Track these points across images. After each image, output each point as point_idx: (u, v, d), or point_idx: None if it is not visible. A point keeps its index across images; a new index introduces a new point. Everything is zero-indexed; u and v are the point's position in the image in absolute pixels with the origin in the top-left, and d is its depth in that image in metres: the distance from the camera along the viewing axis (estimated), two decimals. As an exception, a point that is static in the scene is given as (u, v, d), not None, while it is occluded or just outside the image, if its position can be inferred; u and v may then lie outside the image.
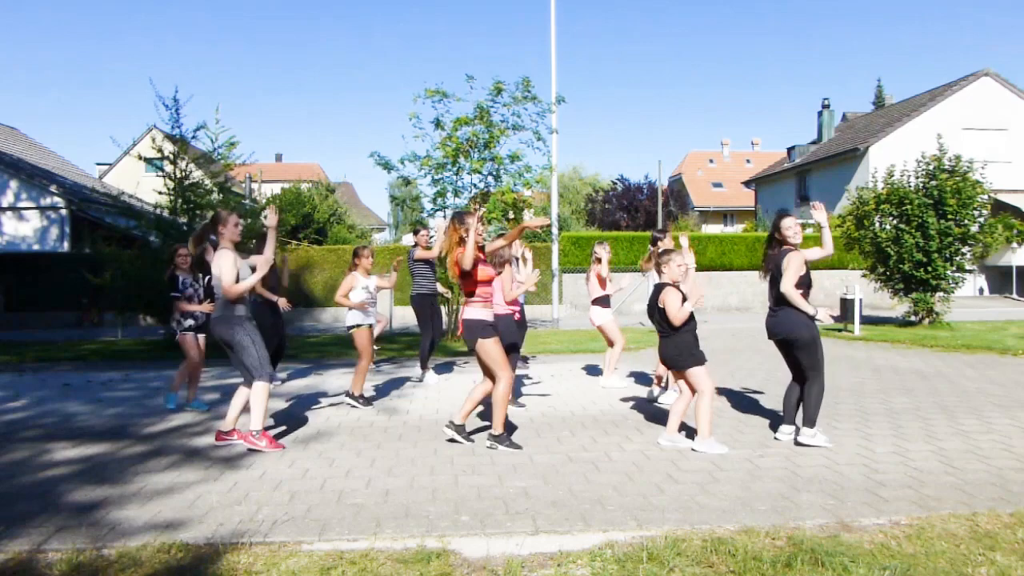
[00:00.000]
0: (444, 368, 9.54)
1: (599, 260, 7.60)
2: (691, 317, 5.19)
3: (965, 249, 13.71)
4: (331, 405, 6.99)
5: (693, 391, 5.20)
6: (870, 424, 5.93)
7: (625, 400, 7.12)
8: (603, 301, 7.60)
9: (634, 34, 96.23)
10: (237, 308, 5.19)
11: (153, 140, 11.68)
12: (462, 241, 5.00)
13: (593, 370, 9.14)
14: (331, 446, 5.39)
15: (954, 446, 5.20)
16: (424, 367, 8.40)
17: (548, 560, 3.28)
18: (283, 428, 6.02)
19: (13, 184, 20.21)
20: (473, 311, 5.11)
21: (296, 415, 6.56)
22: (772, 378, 8.20)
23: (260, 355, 5.17)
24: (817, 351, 5.09)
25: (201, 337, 6.77)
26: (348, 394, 6.92)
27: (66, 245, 19.95)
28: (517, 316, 6.82)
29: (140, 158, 12.12)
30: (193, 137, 11.79)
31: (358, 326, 6.84)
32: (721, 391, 7.52)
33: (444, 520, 3.77)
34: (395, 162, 12.72)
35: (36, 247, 19.97)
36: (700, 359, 5.15)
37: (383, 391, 7.82)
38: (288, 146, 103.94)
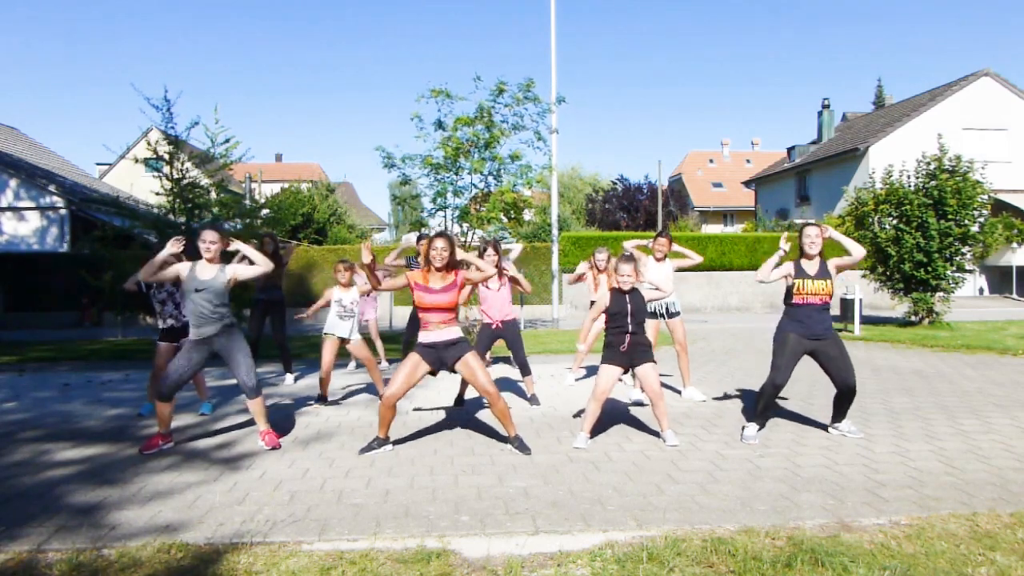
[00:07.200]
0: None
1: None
2: (610, 317, 5.39)
3: (965, 249, 13.71)
4: (330, 404, 6.99)
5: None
6: (870, 424, 5.94)
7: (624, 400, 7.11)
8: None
9: (634, 34, 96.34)
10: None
11: (148, 142, 11.59)
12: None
13: (593, 370, 9.12)
14: (331, 446, 5.40)
15: (954, 446, 5.20)
16: None
17: (548, 560, 3.28)
18: (283, 428, 6.01)
19: (13, 184, 20.19)
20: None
21: (296, 415, 6.56)
22: (772, 378, 8.19)
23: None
24: (775, 348, 5.43)
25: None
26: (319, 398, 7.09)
27: (66, 245, 19.93)
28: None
29: (136, 160, 12.05)
30: (182, 136, 11.71)
31: (325, 334, 6.97)
32: (721, 391, 7.50)
33: (444, 520, 3.77)
34: (397, 160, 12.68)
35: (36, 247, 19.96)
36: (607, 359, 5.37)
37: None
38: (288, 146, 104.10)
